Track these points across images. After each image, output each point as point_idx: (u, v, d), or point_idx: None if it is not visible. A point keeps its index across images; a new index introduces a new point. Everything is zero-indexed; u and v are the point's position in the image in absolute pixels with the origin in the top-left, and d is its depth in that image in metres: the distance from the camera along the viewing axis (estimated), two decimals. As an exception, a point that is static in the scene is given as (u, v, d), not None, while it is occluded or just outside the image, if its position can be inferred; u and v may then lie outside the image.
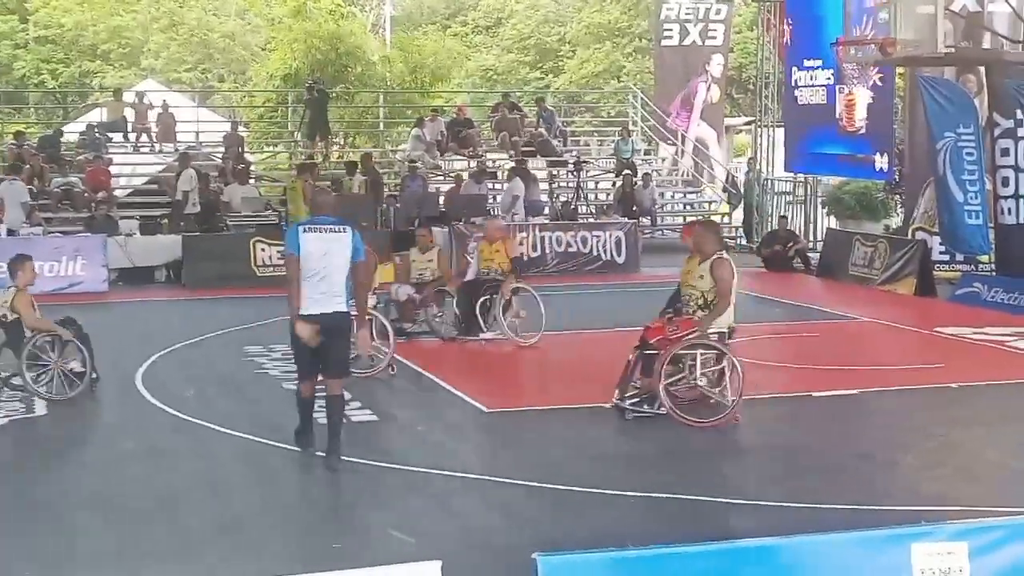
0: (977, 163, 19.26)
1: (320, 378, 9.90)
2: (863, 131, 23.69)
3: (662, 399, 11.00)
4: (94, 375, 12.55)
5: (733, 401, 11.15)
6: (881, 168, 23.53)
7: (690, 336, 11.15)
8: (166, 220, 22.90)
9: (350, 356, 10.17)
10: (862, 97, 23.45)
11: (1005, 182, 19.20)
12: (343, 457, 9.66)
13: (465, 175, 26.20)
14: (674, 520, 8.61)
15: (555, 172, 28.48)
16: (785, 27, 26.06)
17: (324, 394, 9.87)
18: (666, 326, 11.33)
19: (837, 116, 24.22)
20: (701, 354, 11.20)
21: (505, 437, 11.24)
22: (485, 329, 15.40)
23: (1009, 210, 19.19)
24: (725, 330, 11.30)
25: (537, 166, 28.47)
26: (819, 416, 11.86)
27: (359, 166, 25.30)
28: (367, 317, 10.57)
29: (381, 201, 24.08)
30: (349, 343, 10.03)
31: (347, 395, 10.58)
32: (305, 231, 9.69)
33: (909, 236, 21.85)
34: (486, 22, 62.80)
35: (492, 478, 9.57)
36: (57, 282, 20.20)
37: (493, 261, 15.76)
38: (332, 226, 9.70)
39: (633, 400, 11.32)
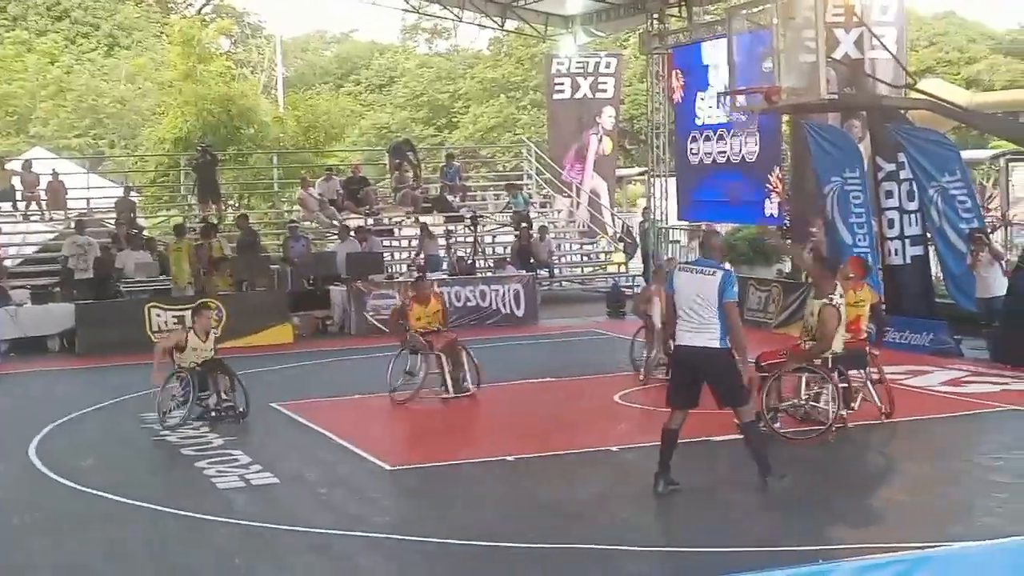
0: (864, 206, 19.62)
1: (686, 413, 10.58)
2: (753, 177, 24.08)
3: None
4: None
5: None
6: (771, 213, 23.93)
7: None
8: (58, 289, 22.51)
9: (739, 386, 10.46)
10: (751, 144, 23.86)
11: (891, 224, 19.65)
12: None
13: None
14: (581, 570, 8.64)
15: (452, 228, 28.54)
16: (674, 78, 26.47)
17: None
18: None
19: (727, 164, 24.61)
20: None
21: (408, 494, 11.20)
22: None
23: (896, 251, 19.64)
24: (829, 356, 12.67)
25: (435, 222, 28.52)
26: (716, 460, 11.99)
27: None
28: None
29: (260, 261, 23.84)
30: (731, 375, 10.40)
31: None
32: (679, 270, 11.03)
33: (802, 280, 22.20)
34: (379, 81, 63.19)
35: (396, 536, 9.49)
36: (-53, 355, 19.80)
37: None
38: (706, 268, 10.61)
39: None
